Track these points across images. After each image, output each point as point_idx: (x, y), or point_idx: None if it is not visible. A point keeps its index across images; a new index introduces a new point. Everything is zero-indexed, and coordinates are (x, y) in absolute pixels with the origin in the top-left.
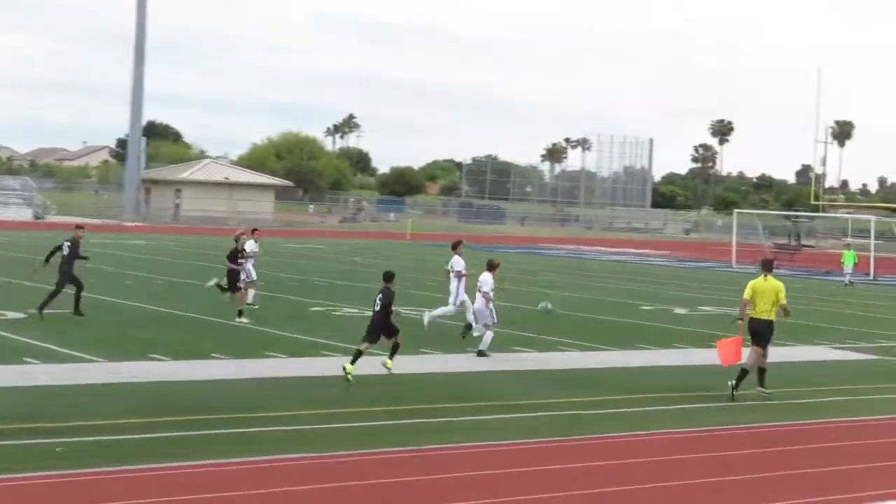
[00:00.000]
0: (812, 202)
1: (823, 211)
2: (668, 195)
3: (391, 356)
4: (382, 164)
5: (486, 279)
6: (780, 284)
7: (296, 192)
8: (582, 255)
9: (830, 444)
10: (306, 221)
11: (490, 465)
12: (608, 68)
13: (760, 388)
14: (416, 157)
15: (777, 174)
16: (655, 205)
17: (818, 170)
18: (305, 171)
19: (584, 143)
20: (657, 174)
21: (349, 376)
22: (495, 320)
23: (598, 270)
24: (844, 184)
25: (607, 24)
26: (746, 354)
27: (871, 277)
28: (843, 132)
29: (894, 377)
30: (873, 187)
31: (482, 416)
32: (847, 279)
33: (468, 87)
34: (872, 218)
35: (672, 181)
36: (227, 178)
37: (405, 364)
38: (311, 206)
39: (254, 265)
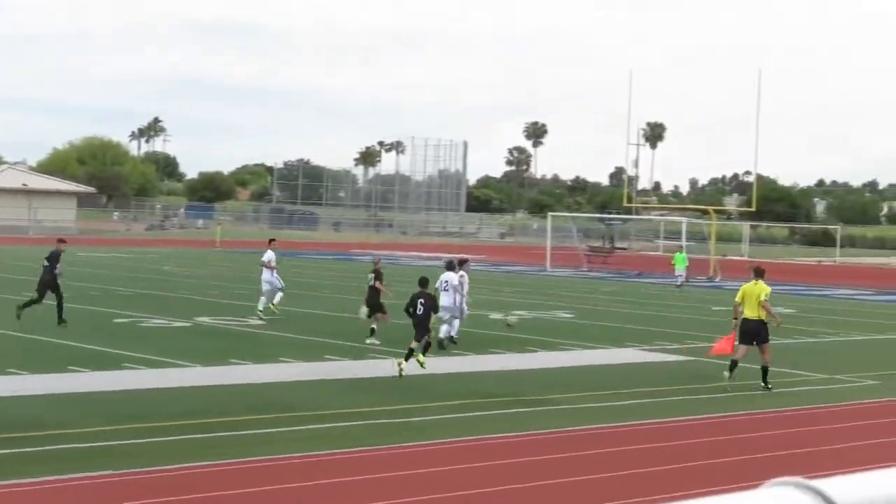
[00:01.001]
0: (625, 204)
1: (636, 213)
2: (483, 199)
3: (424, 353)
4: (190, 168)
5: (451, 277)
6: (767, 289)
7: (99, 198)
8: (396, 261)
9: (628, 448)
10: (111, 229)
11: (278, 480)
12: (422, 69)
13: (764, 385)
14: (225, 162)
15: (591, 177)
16: (470, 209)
17: (630, 172)
18: (109, 176)
19: (398, 147)
20: (472, 177)
21: (402, 372)
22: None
23: (413, 276)
24: (657, 186)
25: (423, 24)
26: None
27: (708, 279)
28: (654, 134)
29: (695, 378)
30: (685, 189)
31: (292, 426)
32: (679, 281)
33: (279, 88)
34: (684, 220)
35: (487, 184)
36: (25, 185)
37: (212, 376)
38: (116, 213)
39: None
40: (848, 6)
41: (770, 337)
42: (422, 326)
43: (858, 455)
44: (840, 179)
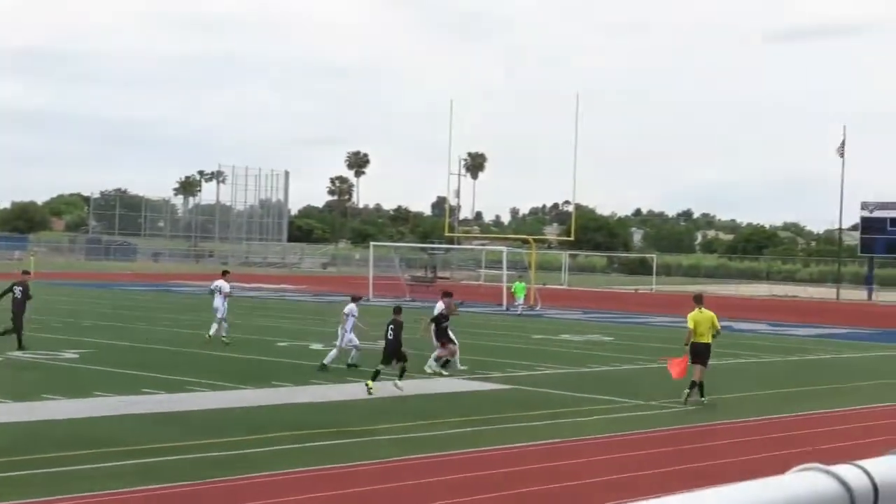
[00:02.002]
0: (447, 234)
1: (458, 243)
2: (306, 228)
3: (400, 377)
4: (2, 198)
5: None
6: (712, 314)
7: None
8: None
9: (455, 476)
10: None
11: None
12: (241, 97)
13: (699, 398)
14: (38, 191)
15: (413, 206)
16: (292, 238)
17: (452, 202)
18: None
19: (218, 176)
20: (294, 207)
21: (371, 390)
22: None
23: (233, 307)
24: (479, 215)
25: (242, 50)
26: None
27: (529, 307)
28: (475, 164)
29: (518, 406)
30: (506, 218)
31: (101, 463)
32: (519, 310)
33: (94, 115)
34: (505, 249)
35: (309, 214)
36: None
37: (24, 411)
38: None
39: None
40: (661, 40)
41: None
42: (391, 351)
43: (670, 481)
44: (656, 209)
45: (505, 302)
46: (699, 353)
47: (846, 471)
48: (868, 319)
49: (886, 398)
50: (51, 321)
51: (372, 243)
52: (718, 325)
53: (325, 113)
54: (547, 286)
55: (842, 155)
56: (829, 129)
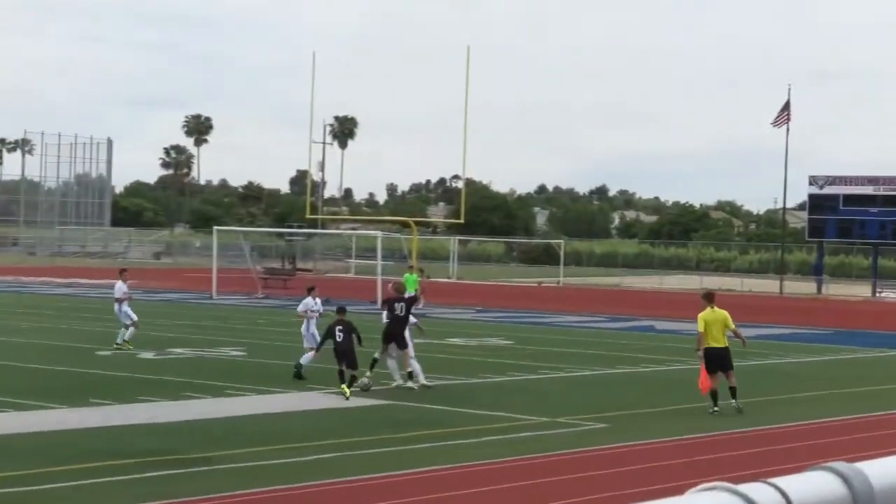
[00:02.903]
0: (309, 216)
1: (323, 227)
2: (134, 210)
3: (349, 385)
4: None
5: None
6: (725, 313)
7: None
8: (22, 288)
9: None
10: None
11: None
12: (46, 47)
13: (733, 403)
14: None
15: (267, 182)
16: (117, 222)
17: (315, 177)
18: None
19: (24, 146)
20: (119, 184)
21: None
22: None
23: (42, 307)
24: (348, 193)
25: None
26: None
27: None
28: (344, 131)
29: (390, 425)
30: (381, 197)
31: None
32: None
33: None
34: (379, 234)
35: (138, 192)
36: None
37: None
38: None
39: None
40: None
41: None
42: (343, 353)
43: None
44: (564, 185)
45: (380, 299)
46: (717, 360)
47: (757, 490)
48: (818, 317)
49: (841, 410)
50: None
51: (216, 228)
52: (733, 325)
53: (155, 69)
54: (431, 279)
55: (787, 121)
56: (771, 89)
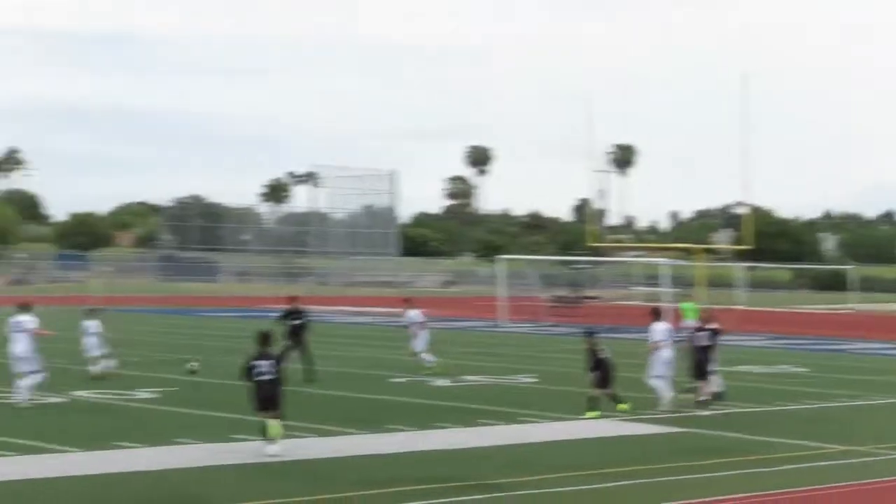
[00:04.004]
0: (592, 244)
1: (607, 255)
2: (420, 240)
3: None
4: (59, 209)
5: None
6: None
7: None
8: (315, 317)
9: None
10: None
11: None
12: (335, 86)
13: None
14: (101, 200)
15: (550, 211)
16: (405, 252)
17: (597, 205)
18: None
19: (312, 178)
20: (405, 215)
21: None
22: None
23: (336, 335)
24: (630, 221)
25: (328, 35)
26: None
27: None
28: (623, 159)
29: (687, 453)
30: (664, 224)
31: None
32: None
33: (163, 113)
34: (665, 262)
35: (423, 223)
36: None
37: (95, 463)
38: None
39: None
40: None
41: None
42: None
43: None
44: (850, 210)
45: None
46: None
47: None
48: None
49: None
50: (122, 355)
51: (501, 256)
52: None
53: (435, 101)
54: (720, 306)
55: None
56: None
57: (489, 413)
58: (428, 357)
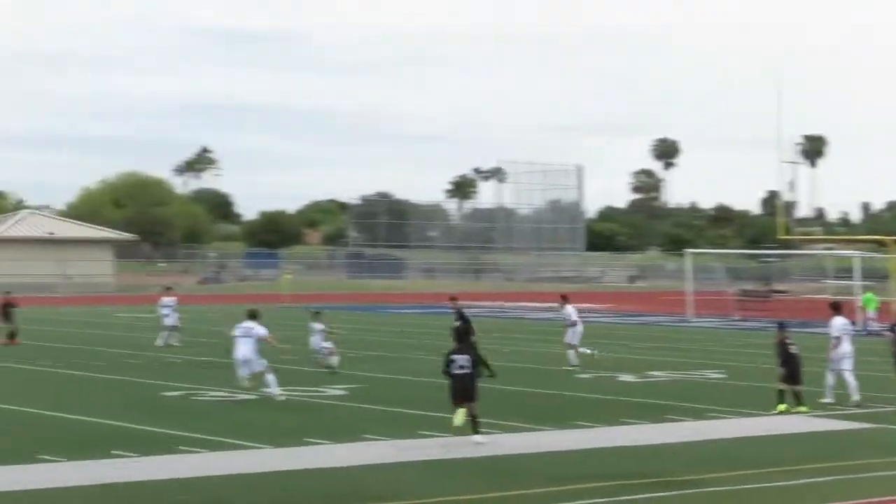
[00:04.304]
0: (782, 237)
1: (796, 247)
2: (606, 234)
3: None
4: (249, 208)
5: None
6: None
7: (141, 247)
8: (503, 313)
9: None
10: (156, 284)
11: None
12: (520, 82)
13: None
14: (290, 199)
15: (738, 204)
16: (591, 247)
17: (786, 197)
18: (152, 220)
19: (498, 174)
20: (591, 209)
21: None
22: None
23: (523, 331)
24: (820, 213)
25: (514, 30)
26: None
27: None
28: (813, 150)
29: (884, 450)
30: (856, 215)
31: None
32: (872, 326)
33: (351, 110)
34: (857, 254)
35: (609, 217)
36: (51, 234)
37: (284, 458)
38: (162, 264)
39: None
40: None
41: None
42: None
43: None
44: None
45: (857, 319)
46: None
47: None
48: None
49: None
50: (308, 352)
51: (688, 250)
52: None
53: (620, 93)
54: None
55: None
56: None
57: (677, 409)
58: (583, 350)
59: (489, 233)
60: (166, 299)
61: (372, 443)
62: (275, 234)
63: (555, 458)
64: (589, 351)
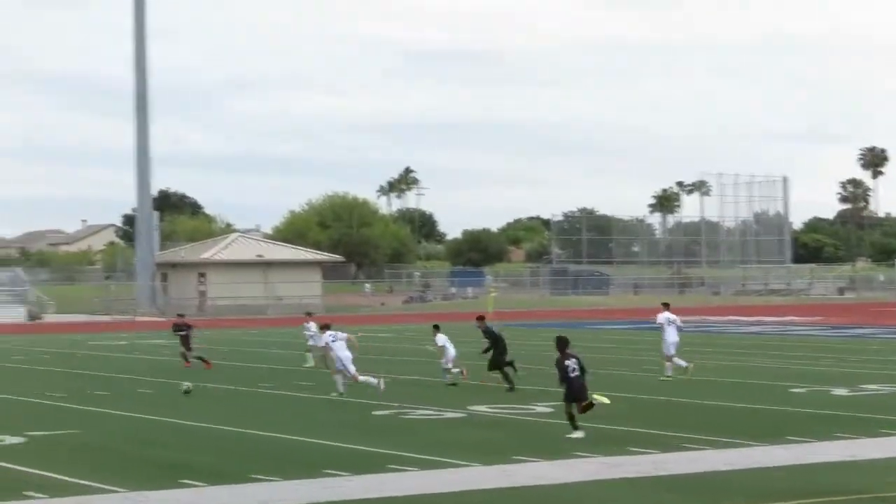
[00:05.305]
0: None
1: None
2: (813, 246)
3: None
4: (452, 227)
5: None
6: None
7: (346, 268)
8: (709, 327)
9: None
10: (363, 304)
11: None
12: (721, 92)
13: None
14: (493, 217)
15: None
16: (798, 259)
17: None
18: (357, 241)
19: (701, 187)
20: (797, 221)
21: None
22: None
23: (731, 345)
24: None
25: (713, 39)
26: None
27: None
28: None
29: None
30: None
31: None
32: None
33: (549, 125)
34: None
35: (816, 228)
36: (260, 256)
37: (493, 477)
38: (367, 284)
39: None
40: None
41: None
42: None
43: None
44: None
45: None
46: None
47: None
48: None
49: None
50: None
51: None
52: None
53: (824, 101)
54: None
55: None
56: None
57: (891, 423)
58: (679, 361)
59: (693, 246)
60: (308, 324)
61: (582, 459)
62: (478, 252)
63: (766, 474)
64: (684, 364)
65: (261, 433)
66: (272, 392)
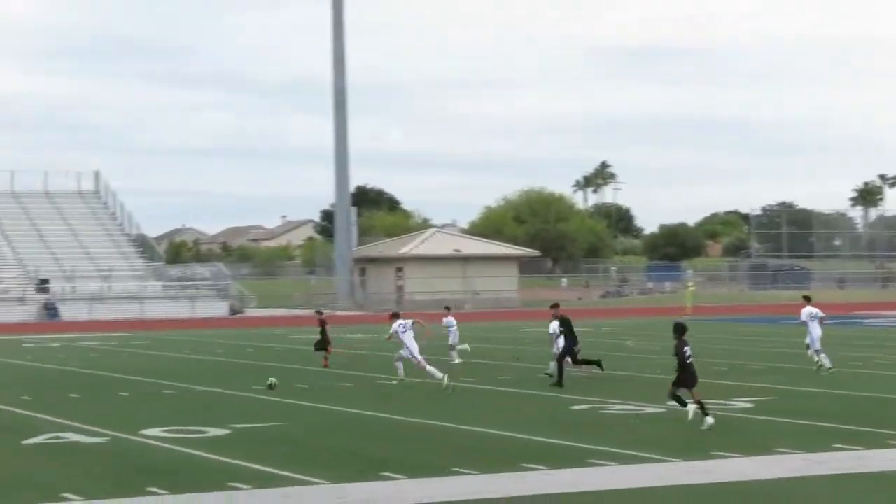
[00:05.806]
0: None
1: None
2: None
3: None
4: (648, 222)
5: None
6: None
7: (543, 262)
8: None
9: None
10: (559, 299)
11: None
12: None
13: None
14: (690, 211)
15: None
16: None
17: None
18: (554, 236)
19: None
20: None
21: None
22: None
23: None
24: None
25: None
26: None
27: None
28: None
29: None
30: None
31: None
32: None
33: (746, 119)
34: None
35: None
36: (458, 251)
37: (693, 473)
38: (564, 279)
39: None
40: None
41: None
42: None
43: None
44: None
45: None
46: None
47: None
48: None
49: None
50: (714, 364)
51: None
52: None
53: None
54: None
55: None
56: None
57: None
58: (825, 360)
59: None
60: (447, 319)
61: (784, 456)
62: (675, 246)
63: None
64: (828, 364)
65: (461, 427)
66: (473, 387)
